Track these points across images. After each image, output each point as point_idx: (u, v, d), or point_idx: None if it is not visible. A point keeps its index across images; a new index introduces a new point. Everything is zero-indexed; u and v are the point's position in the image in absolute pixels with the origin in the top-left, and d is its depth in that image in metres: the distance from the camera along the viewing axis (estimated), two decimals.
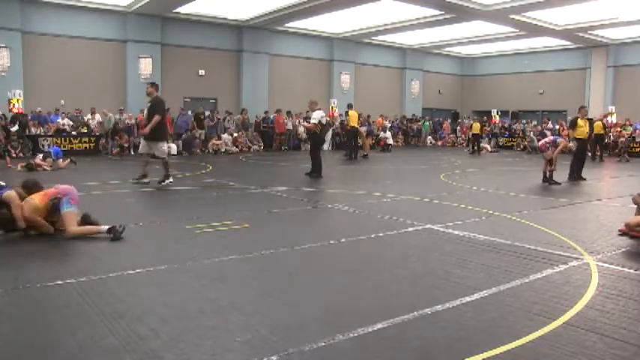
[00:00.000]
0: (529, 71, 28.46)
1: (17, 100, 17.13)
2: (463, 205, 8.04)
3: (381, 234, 5.97)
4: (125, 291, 3.88)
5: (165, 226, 6.36)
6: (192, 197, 8.71)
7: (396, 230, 6.20)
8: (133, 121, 18.58)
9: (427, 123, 27.76)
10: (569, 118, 17.40)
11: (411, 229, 6.27)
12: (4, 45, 17.60)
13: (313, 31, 24.32)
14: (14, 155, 15.03)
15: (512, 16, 20.11)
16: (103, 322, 3.26)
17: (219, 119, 20.46)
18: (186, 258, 4.75)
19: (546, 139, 11.79)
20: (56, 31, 18.85)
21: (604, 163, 18.18)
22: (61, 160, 13.12)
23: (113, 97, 19.63)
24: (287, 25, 22.94)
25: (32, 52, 18.28)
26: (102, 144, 18.10)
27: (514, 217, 7.12)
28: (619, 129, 22.12)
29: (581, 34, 23.40)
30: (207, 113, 20.24)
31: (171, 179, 9.76)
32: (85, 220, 5.80)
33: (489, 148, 23.92)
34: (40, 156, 13.03)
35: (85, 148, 17.60)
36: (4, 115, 16.66)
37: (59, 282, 4.03)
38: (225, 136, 19.81)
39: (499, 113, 27.52)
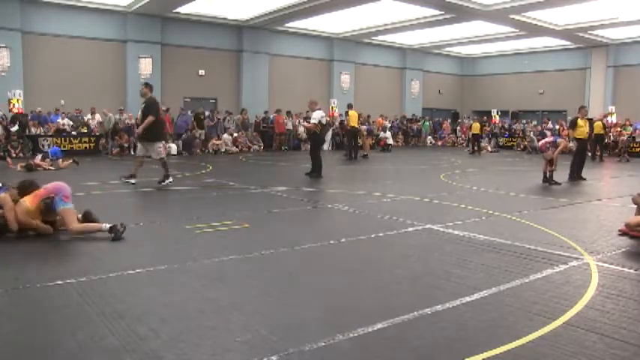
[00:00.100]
0: (529, 71, 28.47)
1: (17, 100, 17.13)
2: (463, 205, 8.04)
3: (381, 234, 5.97)
4: (125, 291, 3.88)
5: (165, 226, 6.35)
6: (192, 197, 8.71)
7: (396, 230, 6.20)
8: (133, 121, 18.52)
9: (427, 123, 27.75)
10: (569, 118, 17.40)
11: (411, 229, 6.27)
12: (4, 45, 17.61)
13: (313, 31, 24.32)
14: (14, 155, 15.03)
15: (512, 16, 20.11)
16: (103, 322, 3.26)
17: (219, 119, 20.46)
18: (186, 258, 4.75)
19: (546, 140, 11.78)
20: (56, 31, 18.85)
21: (604, 163, 18.18)
22: (60, 160, 13.11)
23: (113, 97, 19.63)
24: (287, 25, 22.94)
25: (32, 52, 18.28)
26: (102, 144, 18.10)
27: (514, 217, 7.12)
28: (619, 129, 22.13)
29: (581, 34, 23.40)
30: (207, 113, 20.24)
31: (171, 179, 9.76)
32: (87, 218, 5.82)
33: (489, 148, 23.93)
34: (39, 156, 13.04)
35: (85, 148, 17.60)
36: (4, 115, 16.67)
37: (59, 282, 4.03)
38: (225, 136, 19.81)
39: (499, 113, 27.53)
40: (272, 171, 13.97)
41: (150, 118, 9.46)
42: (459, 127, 28.43)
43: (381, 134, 23.23)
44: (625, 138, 20.82)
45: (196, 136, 19.12)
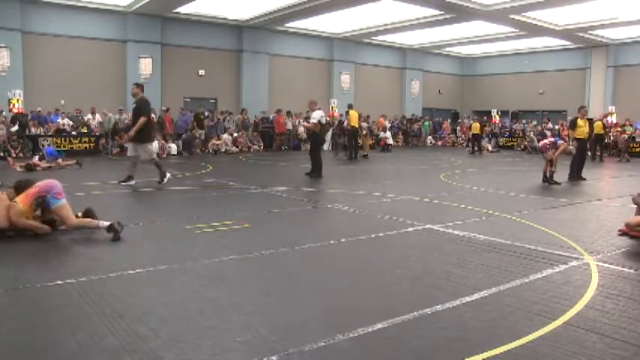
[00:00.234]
0: (529, 71, 28.48)
1: (17, 100, 17.13)
2: (463, 205, 8.04)
3: (381, 234, 5.97)
4: (125, 291, 3.88)
5: (165, 226, 6.35)
6: (192, 197, 8.71)
7: (396, 230, 6.19)
8: None
9: (427, 123, 27.76)
10: (569, 118, 17.41)
11: (411, 229, 6.27)
12: (4, 45, 17.61)
13: (313, 31, 24.32)
14: (14, 155, 15.03)
15: (512, 16, 20.12)
16: (103, 322, 3.26)
17: (219, 119, 20.46)
18: (186, 258, 4.75)
19: (547, 141, 11.77)
20: (56, 31, 18.86)
21: (604, 163, 18.18)
22: (60, 159, 13.11)
23: (113, 97, 19.63)
24: (287, 25, 22.95)
25: (32, 52, 18.29)
26: (102, 144, 18.10)
27: (514, 217, 7.12)
28: (619, 129, 22.13)
29: (581, 34, 23.41)
30: (206, 113, 20.24)
31: (168, 175, 9.79)
32: (88, 215, 5.83)
33: (490, 148, 23.93)
34: (37, 156, 13.07)
35: (85, 148, 17.60)
36: (5, 115, 16.67)
37: (59, 282, 4.03)
38: (225, 136, 19.81)
39: (499, 113, 27.54)
40: (272, 171, 13.97)
41: (142, 119, 9.46)
42: (459, 127, 28.44)
43: (381, 134, 23.23)
44: (623, 137, 20.81)
45: (196, 136, 19.12)
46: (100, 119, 18.53)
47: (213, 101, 22.69)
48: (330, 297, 3.88)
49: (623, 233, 6.01)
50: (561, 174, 11.63)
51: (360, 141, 18.50)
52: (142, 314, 3.40)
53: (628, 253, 5.29)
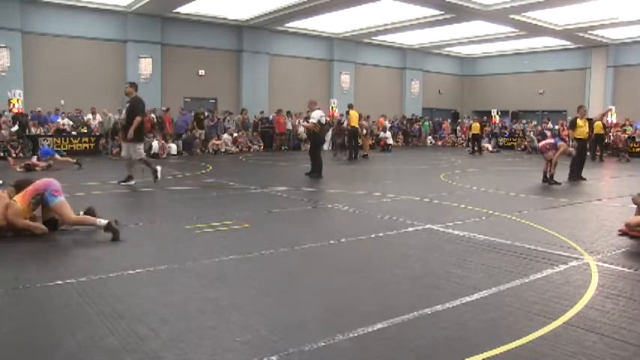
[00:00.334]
0: (529, 71, 28.47)
1: (17, 100, 17.13)
2: (463, 205, 8.04)
3: (381, 234, 5.97)
4: (125, 291, 3.88)
5: (165, 226, 6.35)
6: (192, 197, 8.71)
7: (396, 230, 6.19)
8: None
9: (427, 123, 27.75)
10: (569, 118, 17.40)
11: (411, 229, 6.27)
12: (4, 45, 17.61)
13: (313, 31, 24.32)
14: (14, 155, 15.03)
15: (512, 16, 20.12)
16: (103, 322, 3.26)
17: (219, 119, 20.46)
18: (186, 258, 4.75)
19: (547, 141, 11.76)
20: (56, 31, 18.86)
21: (604, 163, 18.18)
22: (57, 155, 13.16)
23: (113, 97, 19.60)
24: (287, 25, 22.95)
25: (32, 52, 18.29)
26: (102, 144, 18.10)
27: (514, 217, 7.12)
28: (619, 129, 22.13)
29: (581, 34, 23.41)
30: (206, 113, 20.24)
31: (159, 168, 9.86)
32: (89, 214, 5.84)
33: (490, 148, 23.93)
34: (35, 157, 13.09)
35: (85, 148, 17.60)
36: (6, 116, 16.67)
37: (59, 282, 4.03)
38: (225, 136, 19.81)
39: (499, 113, 27.53)
40: (272, 171, 13.97)
41: (138, 119, 9.47)
42: (459, 127, 28.43)
43: (381, 134, 23.23)
44: (623, 136, 20.81)
45: (196, 136, 19.12)
46: (100, 119, 18.53)
47: (213, 101, 22.69)
48: (330, 297, 3.88)
49: (623, 233, 6.01)
50: (561, 174, 11.63)
51: (360, 141, 18.51)
52: (142, 314, 3.40)
53: (628, 253, 5.29)
